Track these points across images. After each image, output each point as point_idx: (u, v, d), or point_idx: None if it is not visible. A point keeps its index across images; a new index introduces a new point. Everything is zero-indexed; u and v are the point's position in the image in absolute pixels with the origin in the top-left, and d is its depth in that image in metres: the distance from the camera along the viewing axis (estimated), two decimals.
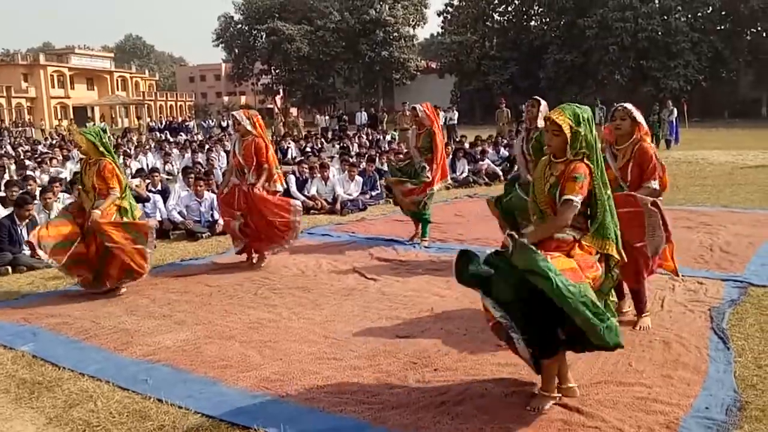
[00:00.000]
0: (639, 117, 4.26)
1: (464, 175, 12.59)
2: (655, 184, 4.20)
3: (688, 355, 3.74)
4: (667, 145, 19.72)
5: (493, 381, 3.48)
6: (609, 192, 3.18)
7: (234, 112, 6.47)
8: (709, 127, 29.28)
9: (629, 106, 4.31)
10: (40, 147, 20.51)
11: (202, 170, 11.28)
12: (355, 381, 3.55)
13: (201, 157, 14.94)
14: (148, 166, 14.14)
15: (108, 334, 4.45)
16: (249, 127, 6.25)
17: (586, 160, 3.09)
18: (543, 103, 5.54)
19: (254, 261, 6.46)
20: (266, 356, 3.95)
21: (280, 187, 6.52)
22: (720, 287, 5.01)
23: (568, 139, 3.05)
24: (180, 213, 8.31)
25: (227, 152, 15.24)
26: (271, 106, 49.47)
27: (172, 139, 24.31)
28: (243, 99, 66.47)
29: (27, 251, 6.72)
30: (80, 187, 5.75)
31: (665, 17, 39.45)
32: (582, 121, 3.05)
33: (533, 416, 3.07)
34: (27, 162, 14.36)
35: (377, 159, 12.36)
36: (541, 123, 4.92)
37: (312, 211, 9.65)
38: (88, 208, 5.50)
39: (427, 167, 7.01)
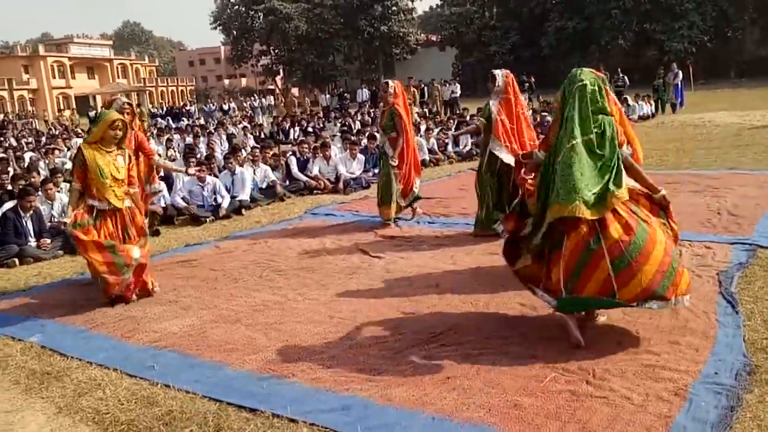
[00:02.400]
0: None
1: (467, 148, 12.49)
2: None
3: (696, 320, 3.70)
4: (672, 109, 19.51)
5: (500, 355, 3.46)
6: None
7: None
8: (714, 89, 28.89)
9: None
10: (43, 138, 20.49)
11: (203, 155, 11.26)
12: (361, 359, 3.54)
13: (201, 141, 14.87)
14: None
15: (114, 322, 4.47)
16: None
17: None
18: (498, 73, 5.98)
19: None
20: (272, 338, 3.94)
21: (157, 187, 6.22)
22: (728, 251, 4.96)
23: None
24: (183, 198, 8.31)
25: (229, 135, 15.18)
26: (272, 86, 49.18)
27: (173, 125, 24.22)
28: (243, 81, 66.09)
29: (33, 242, 6.75)
30: (102, 178, 4.71)
31: None
32: None
33: (541, 388, 3.06)
34: (31, 154, 14.36)
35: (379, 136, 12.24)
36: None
37: (315, 191, 9.63)
38: (121, 205, 4.83)
39: (391, 151, 6.83)
